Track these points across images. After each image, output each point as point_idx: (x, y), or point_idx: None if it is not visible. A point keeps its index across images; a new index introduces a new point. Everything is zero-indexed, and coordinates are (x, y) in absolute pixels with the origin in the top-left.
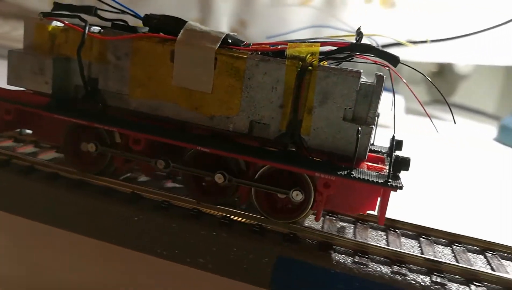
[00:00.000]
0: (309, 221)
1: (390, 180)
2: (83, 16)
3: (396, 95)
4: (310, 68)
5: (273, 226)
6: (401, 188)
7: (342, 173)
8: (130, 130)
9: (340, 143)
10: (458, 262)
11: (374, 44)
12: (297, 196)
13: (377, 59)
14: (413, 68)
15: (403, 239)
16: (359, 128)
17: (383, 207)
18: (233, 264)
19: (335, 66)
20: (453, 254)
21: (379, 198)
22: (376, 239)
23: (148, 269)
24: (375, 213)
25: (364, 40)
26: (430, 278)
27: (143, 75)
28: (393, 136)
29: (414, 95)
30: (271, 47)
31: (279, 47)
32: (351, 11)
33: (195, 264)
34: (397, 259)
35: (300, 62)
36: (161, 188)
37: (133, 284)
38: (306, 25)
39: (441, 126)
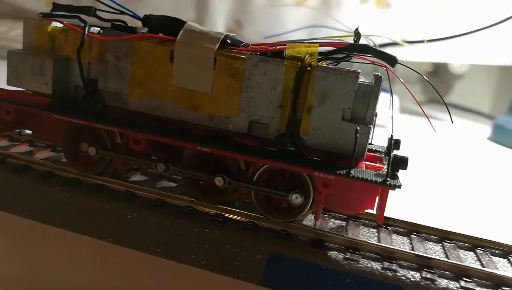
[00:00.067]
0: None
1: (388, 179)
2: (83, 16)
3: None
4: (309, 68)
5: (265, 223)
6: (399, 187)
7: (341, 172)
8: (130, 130)
9: (338, 143)
10: (448, 258)
11: (371, 44)
12: (296, 199)
13: (375, 59)
14: (411, 69)
15: (394, 236)
16: (358, 128)
17: (382, 206)
18: (226, 261)
19: (333, 67)
20: (443, 251)
21: (377, 197)
22: (367, 236)
23: (148, 269)
24: (374, 211)
25: (362, 40)
26: (420, 274)
27: (143, 76)
28: (392, 136)
29: (413, 96)
30: (270, 48)
31: (278, 47)
32: (346, 11)
33: (189, 261)
34: (388, 255)
35: (299, 63)
36: (155, 186)
37: (133, 284)
38: (302, 25)
39: (436, 125)
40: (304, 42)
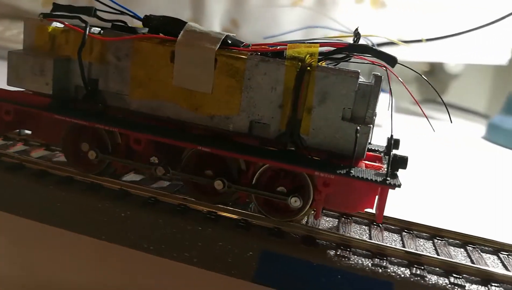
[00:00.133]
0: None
1: (388, 179)
2: (83, 17)
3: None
4: (309, 68)
5: (258, 221)
6: (399, 186)
7: (341, 172)
8: (130, 130)
9: (339, 142)
10: (438, 255)
11: (369, 44)
12: (295, 202)
13: (374, 59)
14: (411, 69)
15: (386, 233)
16: (358, 128)
17: (381, 205)
18: (218, 258)
19: (333, 67)
20: (434, 248)
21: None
22: (359, 233)
23: (147, 269)
24: (373, 211)
25: (360, 40)
26: (410, 271)
27: (144, 76)
28: (391, 135)
29: (412, 96)
30: (270, 48)
31: (278, 48)
32: (341, 11)
33: (181, 258)
34: (378, 252)
35: (299, 63)
36: (149, 185)
37: (133, 284)
38: (298, 25)
39: (431, 124)
40: (304, 43)
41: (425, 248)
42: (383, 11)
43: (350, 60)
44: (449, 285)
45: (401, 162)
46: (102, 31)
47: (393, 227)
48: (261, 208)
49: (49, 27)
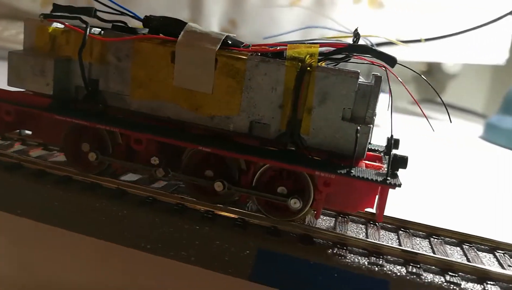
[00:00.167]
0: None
1: (389, 178)
2: (83, 17)
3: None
4: (309, 68)
5: (255, 220)
6: (399, 185)
7: (342, 172)
8: (131, 130)
9: (339, 142)
10: (434, 254)
11: (369, 44)
12: (295, 204)
13: (374, 59)
14: (411, 69)
15: (382, 232)
16: (358, 128)
17: (382, 205)
18: (215, 257)
19: (333, 67)
20: (430, 246)
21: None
22: (356, 231)
23: (146, 268)
24: (373, 210)
25: (360, 41)
26: (406, 269)
27: (144, 76)
28: (391, 135)
29: (412, 96)
30: (270, 48)
31: (279, 48)
32: (339, 11)
33: (179, 257)
34: (375, 250)
35: (300, 63)
36: (147, 184)
37: (133, 284)
38: (296, 25)
39: (430, 124)
40: (304, 43)
41: (421, 246)
42: (381, 11)
43: (350, 61)
44: (445, 283)
45: (401, 161)
46: (102, 32)
47: (389, 225)
48: (261, 208)
49: (49, 28)
